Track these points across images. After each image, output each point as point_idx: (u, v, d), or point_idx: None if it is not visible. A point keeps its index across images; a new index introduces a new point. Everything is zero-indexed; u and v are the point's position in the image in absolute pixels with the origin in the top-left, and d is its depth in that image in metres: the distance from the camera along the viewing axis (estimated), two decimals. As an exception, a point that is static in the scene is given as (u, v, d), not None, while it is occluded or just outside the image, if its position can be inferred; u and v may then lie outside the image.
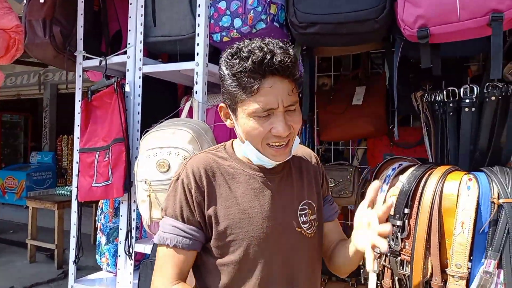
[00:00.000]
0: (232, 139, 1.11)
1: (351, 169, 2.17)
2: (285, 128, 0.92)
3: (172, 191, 1.01)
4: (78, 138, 2.00)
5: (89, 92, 1.92)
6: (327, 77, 2.53)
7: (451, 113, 1.50)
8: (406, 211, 1.37)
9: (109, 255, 2.09)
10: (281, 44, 0.92)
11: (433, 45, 1.42)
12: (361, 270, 1.68)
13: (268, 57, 0.88)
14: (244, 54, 0.90)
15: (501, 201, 1.23)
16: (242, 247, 0.97)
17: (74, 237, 2.05)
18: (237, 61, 0.91)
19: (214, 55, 1.86)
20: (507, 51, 1.52)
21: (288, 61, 0.90)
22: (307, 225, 1.06)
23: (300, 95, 2.24)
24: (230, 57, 0.93)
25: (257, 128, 0.93)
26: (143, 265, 1.72)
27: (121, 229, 1.89)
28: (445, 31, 1.32)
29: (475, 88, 1.44)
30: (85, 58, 2.02)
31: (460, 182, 1.31)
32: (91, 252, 2.46)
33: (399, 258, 1.39)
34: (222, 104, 1.02)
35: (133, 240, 1.84)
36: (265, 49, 0.89)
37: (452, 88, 1.49)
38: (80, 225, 2.05)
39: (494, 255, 1.22)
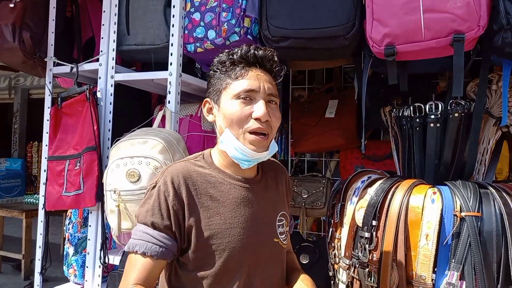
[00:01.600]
0: (209, 149, 1.11)
1: (324, 181, 2.21)
2: (265, 112, 0.96)
3: (147, 198, 0.99)
4: (46, 145, 1.95)
5: (59, 99, 1.88)
6: (303, 89, 2.57)
7: (417, 128, 1.55)
8: (374, 223, 1.40)
9: (77, 266, 2.03)
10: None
11: (400, 62, 1.47)
12: (332, 282, 1.69)
13: (252, 50, 1.00)
14: (232, 51, 1.02)
15: (463, 214, 1.27)
16: (222, 258, 0.96)
17: (40, 247, 1.98)
18: (226, 54, 1.02)
19: (187, 65, 1.87)
20: (470, 69, 1.59)
21: (270, 54, 1.02)
22: (284, 236, 1.08)
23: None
24: (220, 56, 1.04)
25: (239, 110, 0.97)
26: (111, 276, 1.68)
27: (89, 239, 1.85)
28: (411, 49, 1.37)
29: (439, 105, 1.50)
30: (56, 65, 1.98)
31: (425, 196, 1.35)
32: (61, 262, 2.39)
33: (367, 269, 1.41)
34: (206, 99, 1.07)
35: (105, 251, 1.80)
36: (251, 46, 1.02)
37: (418, 104, 1.54)
38: (47, 234, 1.98)
39: (457, 267, 1.25)
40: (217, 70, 1.03)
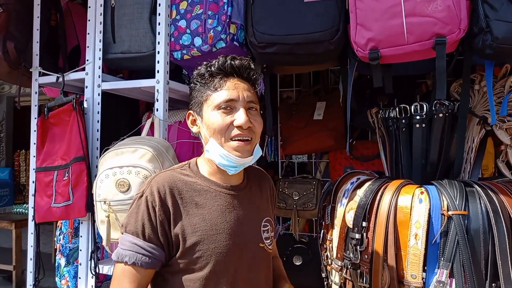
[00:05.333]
0: (196, 157, 1.13)
1: (314, 182, 2.23)
2: (246, 119, 0.99)
3: (134, 208, 1.00)
4: (34, 156, 1.93)
5: (45, 109, 1.86)
6: (291, 91, 2.59)
7: (403, 129, 1.58)
8: (364, 224, 1.42)
9: (69, 277, 2.01)
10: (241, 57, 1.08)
11: (385, 65, 1.49)
12: (325, 283, 1.71)
13: (229, 60, 1.03)
14: (210, 63, 1.05)
15: (450, 213, 1.30)
16: (209, 263, 0.98)
17: (31, 259, 1.96)
18: (204, 67, 1.06)
19: (175, 72, 1.86)
20: (453, 70, 1.62)
21: (246, 63, 1.05)
22: (269, 241, 1.11)
23: (261, 111, 2.28)
24: (199, 69, 1.07)
25: (220, 120, 1.00)
26: (104, 287, 1.68)
27: (81, 250, 1.83)
28: (394, 53, 1.39)
29: (424, 106, 1.52)
30: (42, 74, 1.96)
31: (413, 196, 1.38)
32: (53, 272, 2.36)
33: (358, 270, 1.43)
34: (190, 111, 1.10)
35: (96, 261, 1.79)
36: (227, 57, 1.05)
37: (404, 105, 1.57)
38: (38, 246, 1.96)
39: (446, 265, 1.28)
40: (197, 83, 1.06)
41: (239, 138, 1.00)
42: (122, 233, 1.01)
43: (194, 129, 1.10)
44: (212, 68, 1.03)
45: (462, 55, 1.53)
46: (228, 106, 1.00)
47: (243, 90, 1.02)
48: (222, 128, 1.00)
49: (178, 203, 1.00)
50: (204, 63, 1.07)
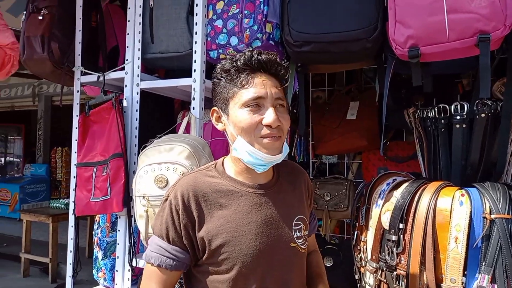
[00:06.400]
0: (223, 157, 1.12)
1: (346, 183, 2.20)
2: (275, 118, 0.97)
3: (160, 211, 1.03)
4: (75, 152, 2.01)
5: (87, 107, 1.94)
6: (321, 90, 2.57)
7: (442, 129, 1.54)
8: (401, 226, 1.39)
9: (106, 270, 2.08)
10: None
11: (424, 63, 1.46)
12: (358, 285, 1.69)
13: (256, 55, 0.99)
14: (235, 58, 1.01)
15: (493, 216, 1.25)
16: (236, 265, 0.97)
17: (71, 251, 2.04)
18: (229, 62, 1.02)
19: (210, 71, 1.89)
20: (495, 68, 1.57)
21: (273, 58, 1.01)
22: (301, 240, 1.07)
23: (295, 110, 2.28)
24: (222, 63, 1.04)
25: (249, 118, 0.97)
26: (140, 280, 1.72)
27: (118, 244, 1.89)
28: (435, 51, 1.36)
29: (465, 105, 1.48)
30: (83, 74, 2.04)
31: (453, 198, 1.34)
32: (86, 266, 2.45)
33: (395, 273, 1.41)
34: (214, 108, 1.07)
35: (133, 255, 1.84)
36: (253, 51, 1.01)
37: (443, 105, 1.53)
38: (77, 239, 2.04)
39: (488, 270, 1.24)
40: (222, 78, 1.02)
41: (268, 137, 0.98)
42: (151, 235, 1.04)
43: (219, 127, 1.07)
44: (238, 63, 0.99)
45: (506, 52, 1.48)
46: (256, 104, 0.97)
47: (271, 86, 0.99)
48: (251, 127, 0.97)
49: (202, 206, 0.99)
50: (228, 57, 1.04)
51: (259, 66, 0.99)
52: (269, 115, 0.97)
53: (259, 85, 0.98)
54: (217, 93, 1.04)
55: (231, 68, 1.00)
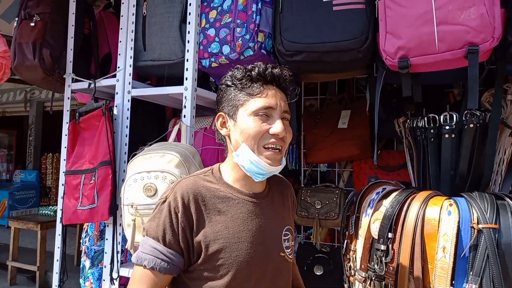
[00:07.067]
0: (218, 163, 1.13)
1: (337, 191, 2.21)
2: (282, 128, 1.00)
3: (157, 213, 1.01)
4: (64, 160, 1.99)
5: (77, 114, 1.93)
6: (314, 98, 2.59)
7: (432, 139, 1.55)
8: (390, 235, 1.40)
9: (93, 279, 2.05)
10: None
11: (414, 74, 1.48)
12: (347, 293, 1.69)
13: (270, 68, 1.04)
14: (247, 68, 1.05)
15: (480, 226, 1.26)
16: (230, 271, 0.98)
17: (58, 260, 2.01)
18: (242, 71, 1.05)
19: (202, 79, 1.90)
20: (485, 79, 1.59)
21: (285, 74, 1.07)
22: (289, 250, 1.10)
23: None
24: (234, 71, 1.07)
25: (257, 126, 1.00)
26: (128, 289, 1.70)
27: (106, 252, 1.87)
28: (425, 62, 1.38)
29: (454, 116, 1.50)
30: (74, 81, 2.03)
31: (441, 207, 1.35)
32: (74, 274, 2.41)
33: (383, 282, 1.41)
34: (220, 113, 1.09)
35: (118, 264, 1.82)
36: (268, 65, 1.05)
37: (432, 115, 1.54)
38: (64, 248, 2.02)
39: (475, 280, 1.24)
40: (232, 85, 1.05)
41: (272, 146, 1.01)
42: (144, 236, 1.03)
43: (223, 132, 1.09)
44: (252, 73, 1.03)
45: (495, 64, 1.50)
46: (265, 114, 1.01)
47: (280, 99, 1.04)
48: (258, 134, 1.00)
49: (201, 209, 1.00)
50: (240, 66, 1.07)
51: (272, 79, 1.04)
52: (277, 125, 1.00)
53: (270, 96, 1.02)
54: (226, 99, 1.07)
55: (244, 77, 1.04)
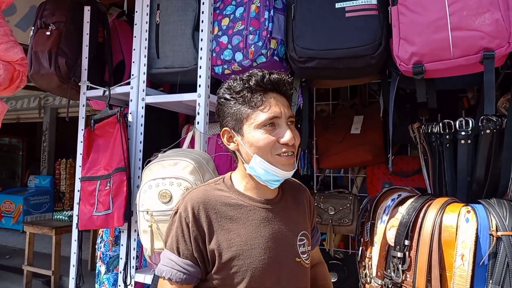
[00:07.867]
0: (230, 172, 1.13)
1: (350, 197, 2.19)
2: (292, 136, 1.00)
3: (171, 224, 1.04)
4: (80, 166, 2.02)
5: (92, 121, 1.95)
6: (326, 103, 2.58)
7: (447, 145, 1.53)
8: (407, 242, 1.38)
9: (109, 285, 2.07)
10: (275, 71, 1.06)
11: (428, 79, 1.46)
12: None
13: (267, 75, 1.01)
14: (244, 78, 1.02)
15: (499, 233, 1.24)
16: (245, 279, 0.98)
17: (74, 266, 2.03)
18: (239, 82, 1.02)
19: (215, 86, 1.91)
20: (500, 84, 1.57)
21: (284, 78, 1.04)
22: (306, 255, 1.09)
23: (299, 125, 2.28)
24: (230, 84, 1.04)
25: (266, 138, 0.99)
26: (142, 295, 1.71)
27: (121, 258, 1.88)
28: (439, 67, 1.36)
29: (470, 121, 1.48)
30: (89, 88, 2.06)
31: (458, 214, 1.33)
32: (88, 278, 2.43)
33: (400, 290, 1.39)
34: (225, 128, 1.06)
35: (133, 270, 1.83)
36: (264, 71, 1.02)
37: (448, 120, 1.53)
38: (80, 253, 2.04)
39: (495, 288, 1.22)
40: (232, 99, 1.02)
41: (285, 154, 1.01)
42: (157, 251, 1.05)
43: (231, 146, 1.07)
44: (251, 84, 1.00)
45: (510, 68, 1.48)
46: (272, 124, 1.00)
47: (283, 105, 1.02)
48: (268, 146, 1.00)
49: (212, 219, 1.00)
50: (236, 77, 1.04)
51: (271, 87, 1.02)
52: (287, 134, 1.00)
53: (273, 105, 1.00)
54: (228, 113, 1.04)
55: (244, 89, 1.01)
